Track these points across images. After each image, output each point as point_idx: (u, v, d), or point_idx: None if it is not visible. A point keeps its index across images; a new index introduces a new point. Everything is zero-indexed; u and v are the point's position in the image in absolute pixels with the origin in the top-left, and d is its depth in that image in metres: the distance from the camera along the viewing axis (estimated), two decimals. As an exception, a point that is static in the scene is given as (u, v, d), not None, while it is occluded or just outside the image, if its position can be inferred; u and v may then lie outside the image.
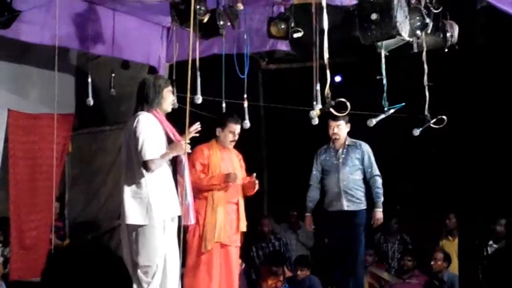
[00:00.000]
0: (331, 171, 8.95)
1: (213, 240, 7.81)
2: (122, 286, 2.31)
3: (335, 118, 8.46)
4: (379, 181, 8.91)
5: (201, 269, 7.82)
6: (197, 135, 7.19)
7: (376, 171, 8.94)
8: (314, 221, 9.23)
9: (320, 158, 9.09)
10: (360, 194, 8.90)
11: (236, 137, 8.13)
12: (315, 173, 9.10)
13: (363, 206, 8.87)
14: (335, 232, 9.00)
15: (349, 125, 8.91)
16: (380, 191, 8.87)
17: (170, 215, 6.83)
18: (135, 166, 6.68)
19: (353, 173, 8.89)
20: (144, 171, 6.63)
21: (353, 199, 8.84)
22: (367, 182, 8.96)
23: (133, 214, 6.65)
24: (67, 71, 9.98)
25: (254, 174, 8.10)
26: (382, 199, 8.87)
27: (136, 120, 6.70)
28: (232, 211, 8.01)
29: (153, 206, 6.62)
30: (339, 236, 8.95)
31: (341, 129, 8.88)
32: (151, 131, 6.68)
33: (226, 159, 8.13)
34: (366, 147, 8.96)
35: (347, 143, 8.95)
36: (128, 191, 6.69)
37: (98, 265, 2.28)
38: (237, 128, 8.11)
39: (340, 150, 8.95)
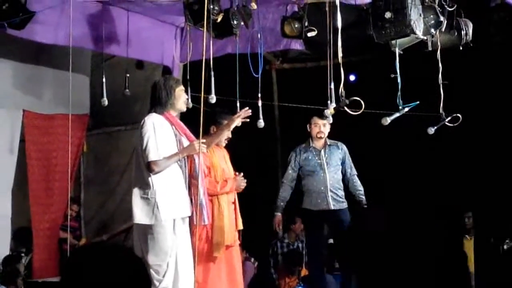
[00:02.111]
0: (314, 171, 8.83)
1: (223, 245, 7.71)
2: (141, 286, 2.31)
3: (323, 117, 8.37)
4: (358, 180, 8.89)
5: (211, 274, 7.70)
6: (248, 120, 7.16)
7: (355, 170, 8.92)
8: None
9: (300, 158, 8.92)
10: (342, 193, 8.84)
11: (230, 135, 7.89)
12: (291, 172, 8.95)
13: (345, 205, 8.83)
14: (320, 230, 9.02)
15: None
16: (362, 189, 8.84)
17: (179, 216, 6.83)
18: (142, 167, 6.70)
19: (336, 173, 8.82)
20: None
21: (338, 198, 8.81)
22: (344, 182, 8.91)
23: (140, 213, 6.67)
24: (81, 72, 10.02)
25: (241, 174, 7.97)
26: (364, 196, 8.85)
27: (143, 121, 6.72)
28: (232, 211, 7.91)
29: (160, 206, 6.63)
30: (323, 234, 9.03)
31: (326, 128, 8.79)
32: (157, 132, 6.68)
33: (221, 157, 7.96)
34: (345, 147, 8.93)
35: (328, 143, 8.88)
36: (136, 191, 6.72)
37: (118, 265, 2.28)
38: None
39: (323, 150, 8.85)
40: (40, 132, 9.69)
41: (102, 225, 10.80)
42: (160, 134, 6.70)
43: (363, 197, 8.84)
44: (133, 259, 2.35)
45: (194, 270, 6.96)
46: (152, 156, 6.60)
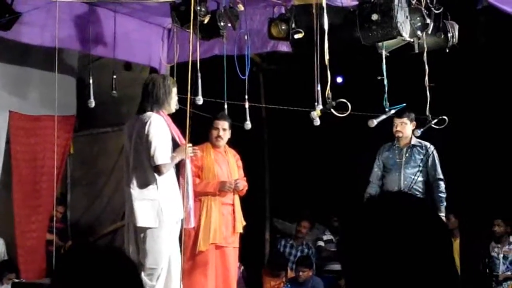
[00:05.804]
0: (392, 169, 8.73)
1: (208, 242, 7.75)
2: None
3: (399, 115, 8.35)
4: (442, 185, 8.62)
5: (196, 271, 7.77)
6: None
7: (440, 174, 8.65)
8: None
9: (383, 155, 8.84)
10: (420, 196, 8.38)
11: (221, 133, 7.97)
12: (376, 170, 8.85)
13: None
14: None
15: (414, 123, 8.62)
16: (443, 195, 8.59)
17: (177, 219, 6.84)
18: (146, 169, 6.65)
19: (415, 174, 8.60)
20: (156, 174, 6.63)
21: None
22: (429, 185, 8.70)
23: (143, 216, 6.63)
24: (68, 73, 10.00)
25: (238, 181, 8.05)
26: (445, 204, 8.60)
27: (148, 122, 6.64)
28: (227, 212, 7.95)
29: (163, 209, 6.62)
30: None
31: (404, 127, 8.60)
32: (162, 134, 6.67)
33: (221, 161, 8.04)
34: (432, 149, 8.67)
35: (412, 142, 8.69)
36: (137, 194, 6.66)
37: (110, 267, 2.26)
38: (220, 123, 7.98)
39: (404, 149, 8.70)
40: (26, 133, 9.67)
41: (89, 226, 10.77)
42: (164, 135, 6.68)
43: (441, 204, 8.59)
44: (126, 261, 2.33)
45: (181, 271, 6.98)
46: (162, 159, 6.59)
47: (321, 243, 11.62)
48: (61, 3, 7.61)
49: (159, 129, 6.65)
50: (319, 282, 10.18)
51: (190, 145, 6.85)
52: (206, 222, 7.74)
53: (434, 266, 1.95)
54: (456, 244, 10.44)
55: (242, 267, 10.37)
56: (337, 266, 10.71)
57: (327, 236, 11.69)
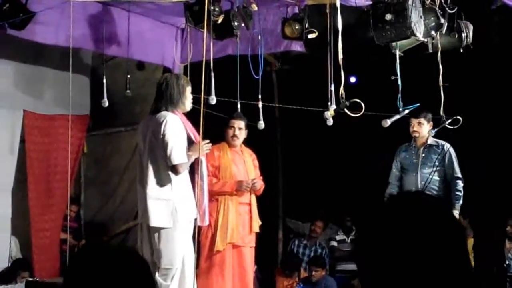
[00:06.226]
0: (409, 169, 8.72)
1: (225, 241, 7.79)
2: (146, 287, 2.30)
3: (416, 116, 8.35)
4: (459, 184, 8.57)
5: (213, 270, 7.81)
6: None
7: (458, 173, 8.61)
8: None
9: (400, 156, 8.84)
10: (437, 195, 8.44)
11: (237, 132, 8.04)
12: (395, 170, 8.85)
13: None
14: None
15: (431, 123, 8.58)
16: (460, 194, 8.54)
17: (191, 218, 6.83)
18: (161, 168, 6.63)
19: (432, 174, 8.56)
20: (172, 174, 6.62)
21: None
22: (447, 184, 8.66)
23: (158, 216, 6.61)
24: (82, 72, 10.02)
25: (255, 181, 8.07)
26: (461, 202, 8.54)
27: (164, 122, 6.62)
28: (244, 211, 7.99)
29: (178, 209, 6.60)
30: None
31: (421, 127, 8.58)
32: (178, 134, 6.65)
33: (238, 160, 8.08)
34: (448, 148, 8.64)
35: (429, 142, 8.67)
36: (152, 193, 6.64)
37: (124, 267, 2.26)
38: (236, 122, 8.05)
39: (421, 149, 8.68)
40: (40, 132, 9.70)
41: (102, 226, 10.80)
42: (181, 135, 6.67)
43: (457, 202, 8.53)
44: (139, 260, 2.33)
45: (195, 270, 6.98)
46: (179, 158, 6.57)
47: (334, 243, 11.61)
48: (75, 2, 7.65)
49: (175, 128, 6.63)
50: (332, 282, 10.17)
51: (207, 141, 6.83)
52: (224, 221, 7.79)
53: (450, 264, 1.96)
54: (469, 243, 10.39)
55: (255, 267, 10.38)
56: (350, 266, 10.72)
57: (340, 236, 11.68)
